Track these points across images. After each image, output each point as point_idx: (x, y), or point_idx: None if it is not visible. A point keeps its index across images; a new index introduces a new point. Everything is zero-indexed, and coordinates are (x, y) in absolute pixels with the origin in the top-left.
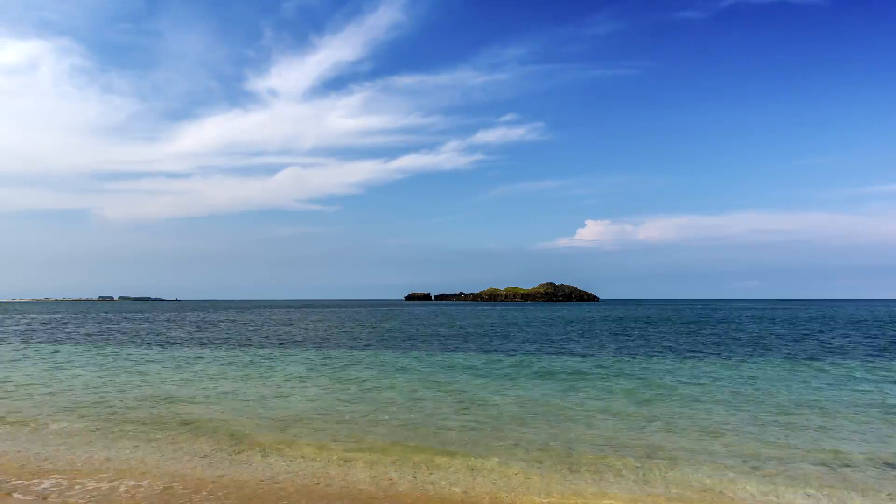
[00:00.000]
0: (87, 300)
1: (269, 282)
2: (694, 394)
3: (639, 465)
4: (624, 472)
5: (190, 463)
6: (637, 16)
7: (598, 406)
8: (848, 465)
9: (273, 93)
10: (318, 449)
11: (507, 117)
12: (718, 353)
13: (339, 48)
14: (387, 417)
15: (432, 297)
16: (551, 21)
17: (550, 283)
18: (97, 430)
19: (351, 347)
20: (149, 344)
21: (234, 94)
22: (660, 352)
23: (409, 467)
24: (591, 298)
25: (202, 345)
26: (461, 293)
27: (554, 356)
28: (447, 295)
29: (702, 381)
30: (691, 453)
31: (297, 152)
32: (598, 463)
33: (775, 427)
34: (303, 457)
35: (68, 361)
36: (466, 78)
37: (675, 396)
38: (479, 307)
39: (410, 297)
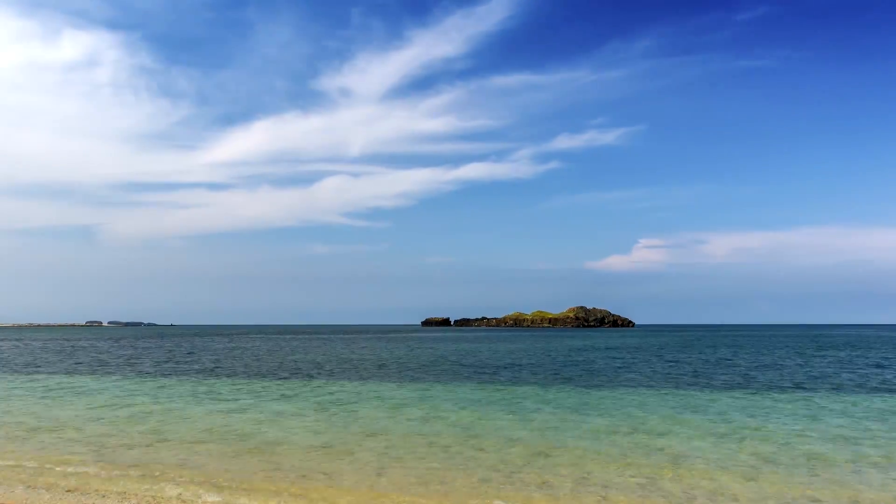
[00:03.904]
0: (73, 326)
1: (277, 306)
2: None
3: None
4: None
5: None
6: None
7: None
8: None
9: (345, 92)
10: None
11: (598, 121)
12: None
13: (436, 42)
14: None
15: (452, 323)
16: (696, 6)
17: (581, 307)
18: None
19: None
20: None
21: (299, 95)
22: None
23: None
24: (626, 324)
25: None
26: (483, 318)
27: None
28: (468, 320)
29: None
30: None
31: (344, 160)
32: None
33: None
34: None
35: None
36: (575, 77)
37: None
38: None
39: (427, 323)
